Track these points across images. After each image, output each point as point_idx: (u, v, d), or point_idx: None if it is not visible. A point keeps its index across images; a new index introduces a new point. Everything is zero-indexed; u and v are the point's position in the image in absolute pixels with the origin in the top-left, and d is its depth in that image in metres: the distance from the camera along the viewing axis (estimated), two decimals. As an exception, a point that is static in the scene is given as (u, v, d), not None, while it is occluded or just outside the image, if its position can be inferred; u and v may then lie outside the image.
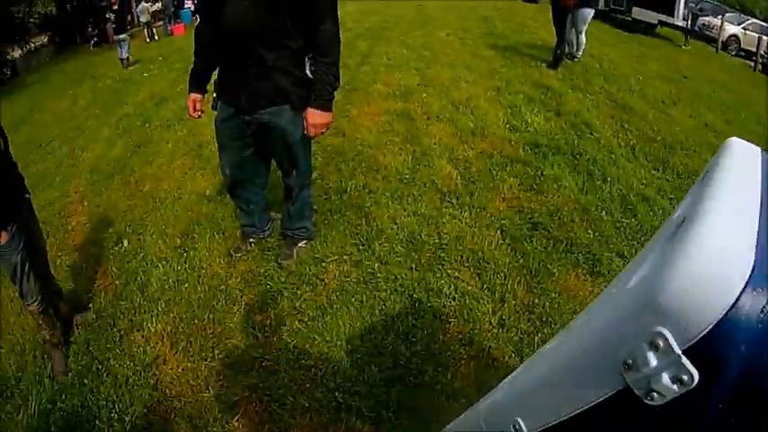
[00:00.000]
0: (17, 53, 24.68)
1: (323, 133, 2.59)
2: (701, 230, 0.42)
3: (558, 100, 5.48)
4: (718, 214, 0.44)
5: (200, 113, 2.73)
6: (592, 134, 4.59)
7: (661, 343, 0.41)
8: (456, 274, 2.78)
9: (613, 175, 3.86)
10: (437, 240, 3.04)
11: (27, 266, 2.44)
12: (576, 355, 0.55)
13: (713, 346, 0.39)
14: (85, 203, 4.49)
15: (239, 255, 3.07)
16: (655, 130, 4.93)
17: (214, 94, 2.65)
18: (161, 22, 18.81)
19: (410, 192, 3.57)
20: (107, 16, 14.61)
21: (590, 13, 7.24)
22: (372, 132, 4.71)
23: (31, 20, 25.57)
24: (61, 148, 6.58)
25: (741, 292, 0.38)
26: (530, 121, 4.87)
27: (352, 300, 2.63)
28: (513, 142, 4.35)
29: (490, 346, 2.33)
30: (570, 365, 0.56)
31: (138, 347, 2.63)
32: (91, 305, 3.05)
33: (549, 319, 2.48)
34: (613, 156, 4.23)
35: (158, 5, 19.64)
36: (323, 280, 2.80)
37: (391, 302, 2.60)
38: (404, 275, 2.77)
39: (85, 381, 2.53)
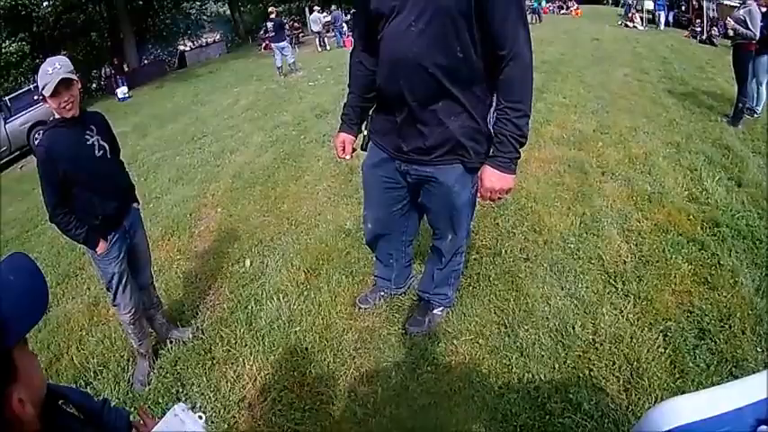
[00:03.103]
0: (187, 46, 27.82)
1: (500, 199, 2.05)
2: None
3: (739, 165, 4.58)
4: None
5: (349, 156, 2.34)
6: (774, 214, 3.65)
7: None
8: (602, 384, 2.20)
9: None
10: (591, 337, 2.45)
11: (124, 279, 2.35)
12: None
13: None
14: (219, 210, 4.55)
15: (365, 307, 2.74)
16: None
17: (365, 132, 2.27)
18: (333, 33, 18.61)
19: (572, 267, 3.02)
20: (263, 25, 15.05)
21: None
22: (540, 183, 4.23)
23: (204, 17, 28.72)
24: (211, 145, 6.92)
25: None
26: (710, 190, 4.07)
27: (475, 396, 2.16)
28: (691, 216, 3.60)
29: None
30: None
31: (226, 383, 2.45)
32: (192, 322, 2.97)
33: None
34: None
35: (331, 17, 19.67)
36: (449, 362, 2.36)
37: (519, 409, 2.09)
38: (543, 376, 2.24)
39: (160, 400, 2.41)
